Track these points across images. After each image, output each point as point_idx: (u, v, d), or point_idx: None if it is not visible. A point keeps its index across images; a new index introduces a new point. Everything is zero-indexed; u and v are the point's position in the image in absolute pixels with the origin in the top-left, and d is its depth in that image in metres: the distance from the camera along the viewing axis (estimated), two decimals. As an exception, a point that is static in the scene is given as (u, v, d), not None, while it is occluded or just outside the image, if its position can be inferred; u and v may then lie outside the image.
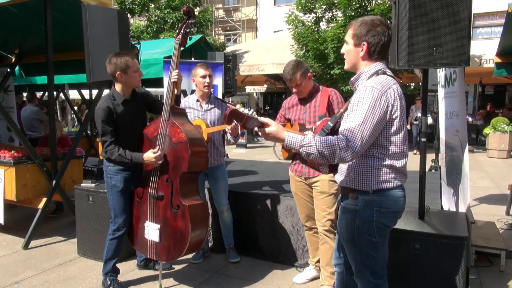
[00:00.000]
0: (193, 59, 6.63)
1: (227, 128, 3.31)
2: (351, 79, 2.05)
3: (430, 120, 10.04)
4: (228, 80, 5.87)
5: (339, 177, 2.08)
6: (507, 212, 5.28)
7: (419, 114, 9.83)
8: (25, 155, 4.29)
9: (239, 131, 3.26)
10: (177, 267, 3.64)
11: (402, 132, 1.92)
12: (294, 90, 3.08)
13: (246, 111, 1.86)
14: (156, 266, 3.55)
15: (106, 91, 3.74)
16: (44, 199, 4.26)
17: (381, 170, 1.91)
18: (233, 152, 12.14)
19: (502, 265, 3.55)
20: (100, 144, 5.01)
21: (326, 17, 12.66)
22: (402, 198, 1.98)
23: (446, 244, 2.48)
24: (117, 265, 3.24)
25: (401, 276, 2.55)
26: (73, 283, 3.36)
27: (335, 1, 11.83)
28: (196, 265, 3.69)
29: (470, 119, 14.41)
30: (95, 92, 5.80)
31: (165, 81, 4.77)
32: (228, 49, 15.47)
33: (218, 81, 5.21)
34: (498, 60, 5.18)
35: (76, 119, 16.48)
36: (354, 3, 11.39)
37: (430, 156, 5.83)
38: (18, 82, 6.95)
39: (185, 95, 4.65)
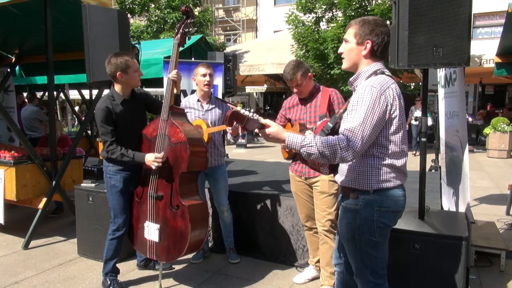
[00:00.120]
0: (193, 59, 6.64)
1: (228, 128, 3.31)
2: (350, 79, 2.05)
3: (430, 122, 10.03)
4: (228, 80, 5.88)
5: (339, 177, 2.08)
6: (507, 212, 5.28)
7: (419, 114, 9.81)
8: (25, 155, 4.29)
9: (240, 132, 3.26)
10: (177, 267, 3.64)
11: (402, 131, 1.93)
12: (294, 90, 3.08)
13: (247, 112, 1.85)
14: (156, 266, 3.55)
15: (106, 91, 3.74)
16: (44, 199, 4.27)
17: (381, 170, 1.92)
18: (233, 152, 12.14)
19: (502, 265, 3.55)
20: (100, 144, 5.01)
21: (326, 17, 12.68)
22: (402, 198, 1.98)
23: (446, 244, 2.48)
24: (117, 265, 3.25)
25: (401, 276, 2.54)
26: (73, 283, 3.36)
27: (335, 1, 11.85)
28: (196, 265, 3.70)
29: (470, 119, 14.41)
30: (95, 92, 5.79)
31: (165, 81, 4.77)
32: (228, 49, 15.49)
33: (218, 81, 5.20)
34: (498, 60, 5.19)
35: (76, 119, 16.49)
36: (354, 3, 11.39)
37: (430, 156, 5.84)
38: (18, 82, 6.94)
39: (185, 95, 4.65)
